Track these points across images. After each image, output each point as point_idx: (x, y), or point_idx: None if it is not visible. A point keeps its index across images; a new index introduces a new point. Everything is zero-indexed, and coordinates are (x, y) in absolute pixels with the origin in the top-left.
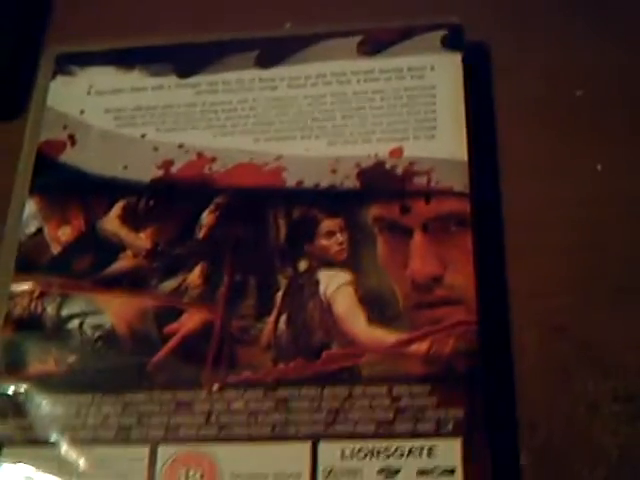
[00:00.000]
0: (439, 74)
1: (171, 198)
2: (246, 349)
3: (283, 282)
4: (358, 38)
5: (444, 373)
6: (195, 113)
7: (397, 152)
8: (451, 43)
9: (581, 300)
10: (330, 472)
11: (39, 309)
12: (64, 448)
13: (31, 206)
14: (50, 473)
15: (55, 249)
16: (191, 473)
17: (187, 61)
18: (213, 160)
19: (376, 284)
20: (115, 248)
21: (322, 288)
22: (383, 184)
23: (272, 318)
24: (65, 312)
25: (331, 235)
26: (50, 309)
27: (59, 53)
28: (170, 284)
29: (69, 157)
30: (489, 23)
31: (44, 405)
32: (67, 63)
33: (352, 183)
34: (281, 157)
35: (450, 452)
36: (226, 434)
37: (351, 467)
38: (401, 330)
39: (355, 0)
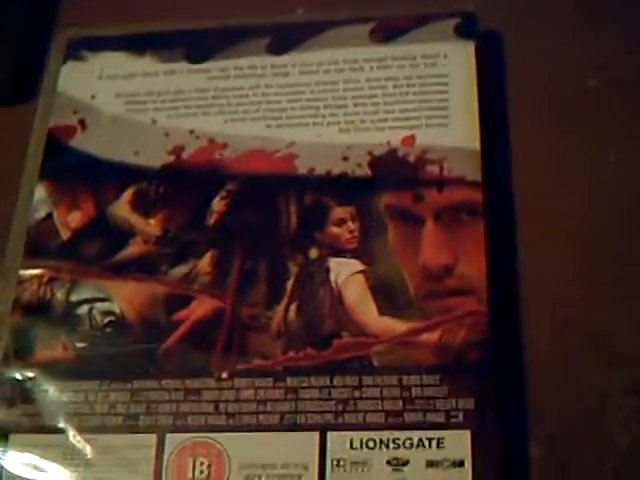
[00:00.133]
0: (452, 62)
1: (182, 184)
2: (256, 337)
3: (294, 270)
4: (371, 25)
5: (454, 363)
6: (206, 99)
7: (409, 140)
8: (464, 31)
9: (592, 291)
10: (339, 462)
11: (48, 294)
12: (71, 435)
13: (41, 191)
14: (57, 461)
15: (65, 234)
16: (199, 462)
17: (199, 47)
18: (224, 146)
19: (387, 273)
20: (125, 234)
21: (333, 276)
22: (395, 172)
23: (282, 306)
24: (74, 298)
25: (342, 223)
26: (59, 294)
27: (70, 37)
28: (180, 270)
29: (79, 142)
30: (503, 11)
31: (52, 392)
32: (78, 48)
33: (364, 171)
34: (293, 144)
35: (459, 443)
36: (234, 423)
37: (360, 457)
38: (412, 319)
39: None
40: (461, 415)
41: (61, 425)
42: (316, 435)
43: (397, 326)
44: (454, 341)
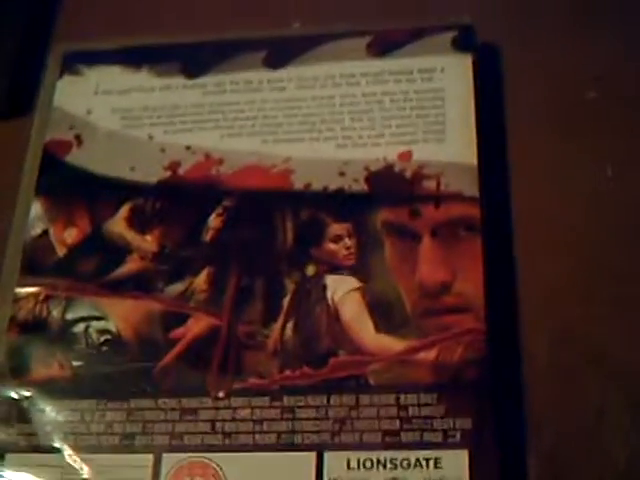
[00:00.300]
0: (449, 76)
1: (178, 200)
2: (252, 355)
3: (290, 287)
4: (367, 39)
5: (452, 382)
6: (202, 114)
7: (406, 155)
8: (461, 44)
9: (590, 308)
10: None
11: (44, 312)
12: (68, 455)
13: (37, 207)
14: None
15: (61, 251)
16: None
17: (195, 61)
18: (220, 162)
19: (384, 290)
20: (121, 251)
21: (329, 293)
22: (392, 188)
23: (279, 324)
24: (70, 316)
25: (339, 239)
26: (55, 312)
27: (66, 52)
28: (176, 288)
29: (75, 157)
30: (500, 24)
31: (48, 411)
32: (74, 62)
33: (360, 186)
34: (289, 159)
35: (457, 463)
36: (231, 443)
37: (357, 478)
38: (409, 337)
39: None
40: (458, 435)
41: (57, 445)
42: (313, 455)
43: (394, 344)
44: (451, 359)
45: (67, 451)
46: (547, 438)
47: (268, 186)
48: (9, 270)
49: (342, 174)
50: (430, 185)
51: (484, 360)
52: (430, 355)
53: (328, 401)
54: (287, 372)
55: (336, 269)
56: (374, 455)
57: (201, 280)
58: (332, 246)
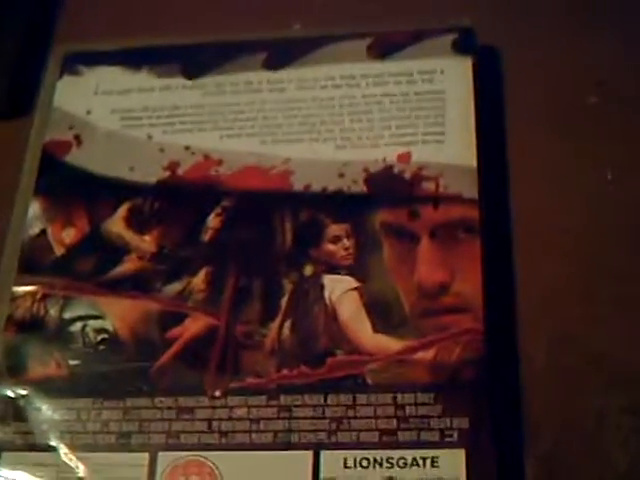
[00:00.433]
0: (449, 78)
1: (177, 200)
2: (250, 355)
3: (288, 287)
4: (368, 41)
5: (450, 382)
6: (202, 115)
7: (405, 157)
8: (462, 47)
9: (590, 309)
10: None
11: (42, 311)
12: (64, 454)
13: (35, 207)
14: (49, 479)
15: (59, 251)
16: None
17: (195, 62)
18: (220, 162)
19: (382, 290)
20: (120, 250)
21: (327, 293)
22: (391, 189)
23: (277, 323)
24: (68, 315)
25: (338, 240)
26: (53, 311)
27: (66, 52)
28: (174, 287)
29: (75, 157)
30: (500, 26)
31: (44, 409)
32: (74, 62)
33: (360, 188)
34: (289, 160)
35: (454, 463)
36: (227, 442)
37: (353, 477)
38: (407, 337)
39: (365, 2)
40: (456, 434)
41: (53, 443)
42: (310, 454)
43: (392, 344)
44: (449, 359)
45: (63, 450)
46: (545, 439)
47: (267, 187)
48: (7, 269)
49: (341, 175)
50: (429, 186)
51: (482, 360)
52: (428, 355)
53: (325, 400)
54: (284, 371)
55: (334, 269)
56: (371, 454)
57: (199, 280)
58: (331, 247)
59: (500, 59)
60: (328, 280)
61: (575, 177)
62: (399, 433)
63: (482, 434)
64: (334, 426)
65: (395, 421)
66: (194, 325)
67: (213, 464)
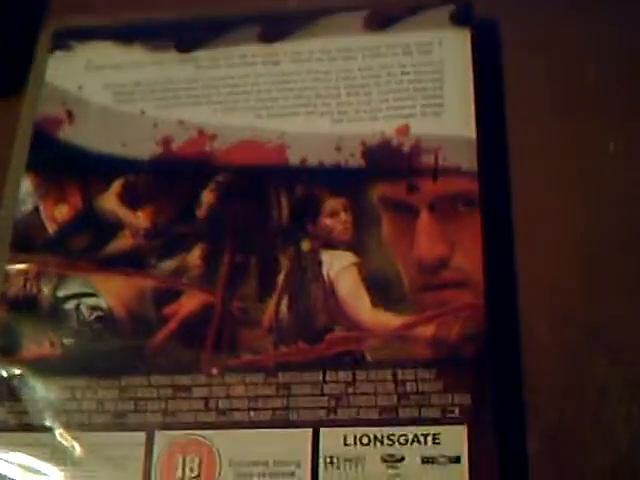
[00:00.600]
0: (447, 50)
1: (171, 176)
2: (247, 332)
3: (285, 263)
4: (364, 13)
5: (450, 357)
6: (196, 89)
7: (403, 129)
8: (460, 19)
9: (591, 283)
10: (332, 459)
11: (35, 290)
12: (59, 433)
13: (27, 184)
14: (44, 459)
15: (51, 228)
16: (189, 459)
17: (188, 36)
18: (214, 137)
19: (381, 265)
20: (113, 227)
21: (325, 269)
22: (389, 162)
23: (274, 300)
24: (62, 293)
25: (335, 215)
26: (46, 290)
27: (58, 28)
28: (169, 264)
29: (67, 134)
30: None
31: (39, 389)
32: (66, 38)
33: (357, 161)
34: (284, 134)
35: (455, 439)
36: (225, 420)
37: (353, 454)
38: (406, 313)
39: None
40: (457, 410)
41: (48, 423)
42: (309, 432)
43: (391, 320)
44: (450, 335)
45: (58, 429)
46: (547, 414)
47: (262, 162)
48: None
49: (338, 149)
50: (428, 159)
51: (483, 335)
52: (428, 330)
53: (324, 377)
54: (282, 348)
55: (332, 244)
56: (371, 431)
57: (194, 256)
58: (328, 221)
59: (499, 33)
60: (326, 255)
61: (575, 148)
62: (399, 410)
63: (484, 410)
64: (333, 403)
65: (395, 398)
66: (190, 302)
67: (211, 442)
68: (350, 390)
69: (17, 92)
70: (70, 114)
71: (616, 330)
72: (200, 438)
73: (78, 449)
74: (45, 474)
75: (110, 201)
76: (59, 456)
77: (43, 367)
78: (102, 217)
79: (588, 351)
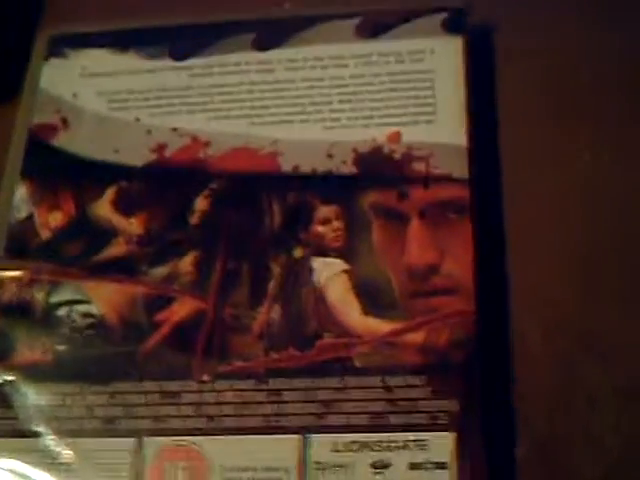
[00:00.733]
0: (439, 58)
1: (164, 183)
2: (238, 338)
3: (277, 270)
4: (357, 20)
5: (440, 364)
6: (190, 96)
7: (395, 137)
8: (452, 26)
9: (582, 291)
10: (321, 465)
11: (28, 296)
12: (49, 439)
13: (22, 191)
14: (34, 465)
15: (45, 235)
16: (179, 465)
17: (182, 43)
18: (207, 144)
19: (371, 272)
20: (107, 234)
21: (316, 276)
22: (380, 169)
23: (265, 307)
24: (54, 299)
25: (327, 222)
26: (39, 296)
27: (52, 35)
28: (161, 271)
29: (61, 141)
30: (492, 5)
31: (30, 395)
32: (60, 45)
33: (349, 168)
34: (277, 141)
35: (443, 446)
36: (215, 426)
37: (342, 461)
38: (396, 320)
39: None
40: (446, 417)
41: (39, 429)
42: (299, 438)
43: (381, 326)
44: (439, 341)
45: (49, 435)
46: (536, 422)
47: (255, 169)
48: None
49: (330, 156)
50: (419, 167)
51: (472, 342)
52: (417, 337)
53: (314, 384)
54: (273, 355)
55: (324, 252)
56: (360, 438)
57: (186, 263)
58: (320, 228)
59: (492, 39)
60: (317, 263)
61: (567, 157)
62: (388, 416)
63: (472, 417)
64: (323, 410)
65: (384, 404)
66: (181, 308)
67: (201, 448)
68: (340, 396)
69: (12, 99)
70: (65, 121)
71: (608, 339)
72: (190, 444)
73: (68, 455)
74: None
75: (104, 208)
76: (49, 462)
77: (35, 373)
78: (96, 224)
79: (579, 358)
